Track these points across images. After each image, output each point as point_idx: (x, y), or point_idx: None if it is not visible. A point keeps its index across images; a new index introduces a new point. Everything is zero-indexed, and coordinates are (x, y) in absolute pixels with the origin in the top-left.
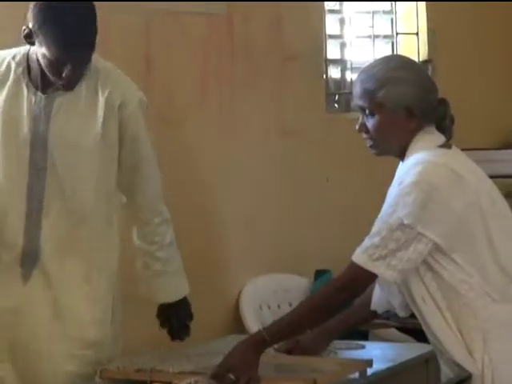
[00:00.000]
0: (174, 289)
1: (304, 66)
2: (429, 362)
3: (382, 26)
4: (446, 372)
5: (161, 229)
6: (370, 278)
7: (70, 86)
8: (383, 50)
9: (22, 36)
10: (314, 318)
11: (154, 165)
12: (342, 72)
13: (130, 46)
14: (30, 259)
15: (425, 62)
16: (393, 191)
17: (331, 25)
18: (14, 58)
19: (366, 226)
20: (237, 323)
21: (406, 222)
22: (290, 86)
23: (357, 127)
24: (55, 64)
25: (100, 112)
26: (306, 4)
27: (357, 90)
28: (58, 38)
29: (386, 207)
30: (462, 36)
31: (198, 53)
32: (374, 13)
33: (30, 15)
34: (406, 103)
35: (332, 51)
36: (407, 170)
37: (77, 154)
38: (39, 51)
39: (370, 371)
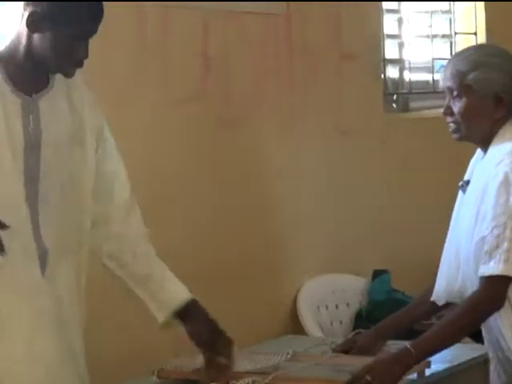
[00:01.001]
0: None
1: (362, 66)
2: (487, 363)
3: (441, 25)
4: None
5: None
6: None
7: (81, 66)
8: (441, 50)
9: (27, 24)
10: (463, 334)
11: None
12: (400, 72)
13: (188, 46)
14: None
15: None
16: (490, 187)
17: (389, 24)
18: None
19: (423, 227)
20: (294, 323)
21: None
22: (348, 85)
23: (442, 110)
24: (70, 44)
25: (76, 110)
26: (364, 4)
27: (447, 72)
28: (83, 10)
29: (493, 207)
30: None
31: (256, 52)
32: (432, 12)
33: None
34: (495, 89)
35: (390, 51)
36: (500, 160)
37: (64, 156)
38: (45, 39)
39: (428, 372)
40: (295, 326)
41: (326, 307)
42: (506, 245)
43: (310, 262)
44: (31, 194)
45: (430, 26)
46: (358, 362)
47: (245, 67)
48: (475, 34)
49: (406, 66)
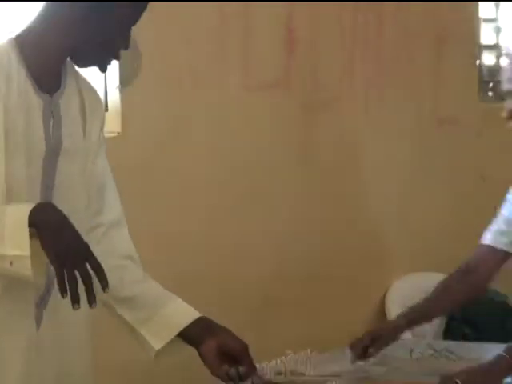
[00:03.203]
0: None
1: (456, 51)
2: None
3: None
4: None
5: None
6: None
7: (119, 58)
8: None
9: (79, 11)
10: None
11: None
12: (497, 58)
13: (271, 25)
14: (46, 295)
15: None
16: None
17: (486, 8)
18: (8, 54)
19: None
20: None
21: None
22: (445, 70)
23: (504, 114)
24: (119, 33)
25: (85, 110)
26: None
27: (508, 74)
28: None
29: None
30: None
31: (346, 34)
32: None
33: None
34: None
35: (486, 36)
36: None
37: (78, 161)
38: (92, 26)
39: None
40: None
41: None
42: None
43: (400, 259)
44: None
45: None
46: (447, 368)
47: (333, 49)
48: None
49: (504, 52)
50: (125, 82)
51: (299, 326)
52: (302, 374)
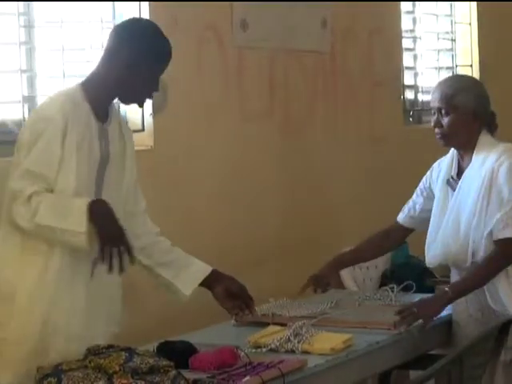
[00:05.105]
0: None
1: (387, 90)
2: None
3: (445, 59)
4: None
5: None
6: None
7: (152, 98)
8: None
9: (128, 63)
10: (486, 281)
11: None
12: (415, 94)
13: (259, 76)
14: (97, 257)
15: None
16: (499, 177)
17: (407, 59)
18: (78, 94)
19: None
20: (337, 280)
21: None
22: (378, 104)
23: (432, 124)
24: (156, 80)
25: (122, 135)
26: (389, 43)
27: (436, 95)
28: (166, 50)
29: (509, 190)
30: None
31: (310, 80)
32: (439, 50)
33: (130, 48)
34: (473, 108)
35: (408, 79)
36: (497, 157)
37: (119, 169)
38: (138, 75)
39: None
40: (338, 282)
41: (360, 268)
42: None
43: (349, 237)
44: (98, 195)
45: (438, 60)
46: (389, 310)
47: (301, 92)
48: (471, 66)
49: (420, 90)
50: (156, 110)
51: (278, 281)
52: (281, 315)
